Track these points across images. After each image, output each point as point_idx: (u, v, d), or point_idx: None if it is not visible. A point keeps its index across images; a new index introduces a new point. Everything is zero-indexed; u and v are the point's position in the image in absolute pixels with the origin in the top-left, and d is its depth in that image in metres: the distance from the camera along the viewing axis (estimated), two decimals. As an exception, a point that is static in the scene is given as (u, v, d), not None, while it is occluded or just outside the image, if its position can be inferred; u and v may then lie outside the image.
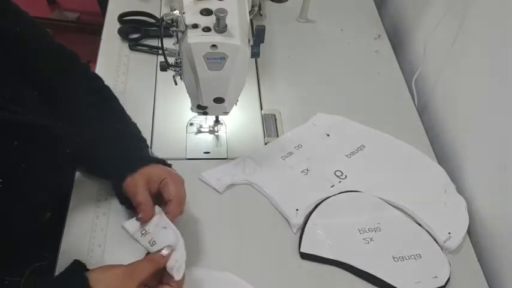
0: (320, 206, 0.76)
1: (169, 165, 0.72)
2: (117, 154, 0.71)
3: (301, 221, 0.74)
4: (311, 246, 0.71)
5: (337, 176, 0.81)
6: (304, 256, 0.71)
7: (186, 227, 0.70)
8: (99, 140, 0.71)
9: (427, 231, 0.75)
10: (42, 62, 0.69)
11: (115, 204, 0.74)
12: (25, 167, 0.61)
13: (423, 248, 0.72)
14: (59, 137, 0.67)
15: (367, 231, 0.73)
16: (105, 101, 0.77)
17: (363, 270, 0.69)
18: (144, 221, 0.66)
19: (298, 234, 0.73)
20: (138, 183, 0.66)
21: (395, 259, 0.70)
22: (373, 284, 0.69)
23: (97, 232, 0.71)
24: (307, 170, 0.81)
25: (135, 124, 0.77)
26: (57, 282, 0.59)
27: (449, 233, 0.74)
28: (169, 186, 0.67)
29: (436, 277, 0.69)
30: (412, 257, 0.71)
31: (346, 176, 0.81)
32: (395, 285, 0.68)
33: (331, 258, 0.70)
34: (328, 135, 0.87)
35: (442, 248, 0.73)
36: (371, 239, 0.72)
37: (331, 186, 0.79)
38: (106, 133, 0.72)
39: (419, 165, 0.84)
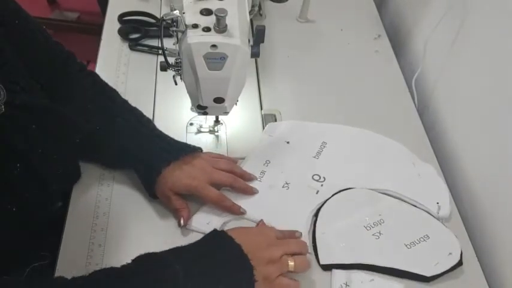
0: (320, 214, 0.75)
1: (200, 150, 0.76)
2: (145, 146, 0.73)
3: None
4: (328, 256, 0.69)
5: (316, 180, 0.79)
6: (325, 268, 0.69)
7: (186, 230, 0.71)
8: (115, 130, 0.74)
9: (421, 209, 0.75)
10: (39, 57, 0.69)
11: (115, 204, 0.74)
12: (41, 152, 0.62)
13: (426, 227, 0.72)
14: (70, 124, 0.68)
15: (373, 226, 0.73)
16: (109, 91, 0.79)
17: (384, 267, 0.68)
18: (185, 224, 0.70)
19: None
20: (166, 193, 0.71)
21: (407, 246, 0.70)
22: (397, 276, 0.68)
23: (97, 232, 0.71)
24: (287, 183, 0.78)
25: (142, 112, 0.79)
26: (204, 242, 0.62)
27: (438, 203, 0.75)
28: (204, 193, 0.71)
29: (450, 253, 0.69)
30: (422, 239, 0.71)
31: (324, 178, 0.79)
32: (417, 273, 0.67)
33: (352, 262, 0.69)
34: (288, 142, 0.84)
35: (439, 220, 0.73)
36: (379, 233, 0.72)
37: (316, 193, 0.77)
38: (121, 123, 0.74)
39: (382, 147, 0.84)
